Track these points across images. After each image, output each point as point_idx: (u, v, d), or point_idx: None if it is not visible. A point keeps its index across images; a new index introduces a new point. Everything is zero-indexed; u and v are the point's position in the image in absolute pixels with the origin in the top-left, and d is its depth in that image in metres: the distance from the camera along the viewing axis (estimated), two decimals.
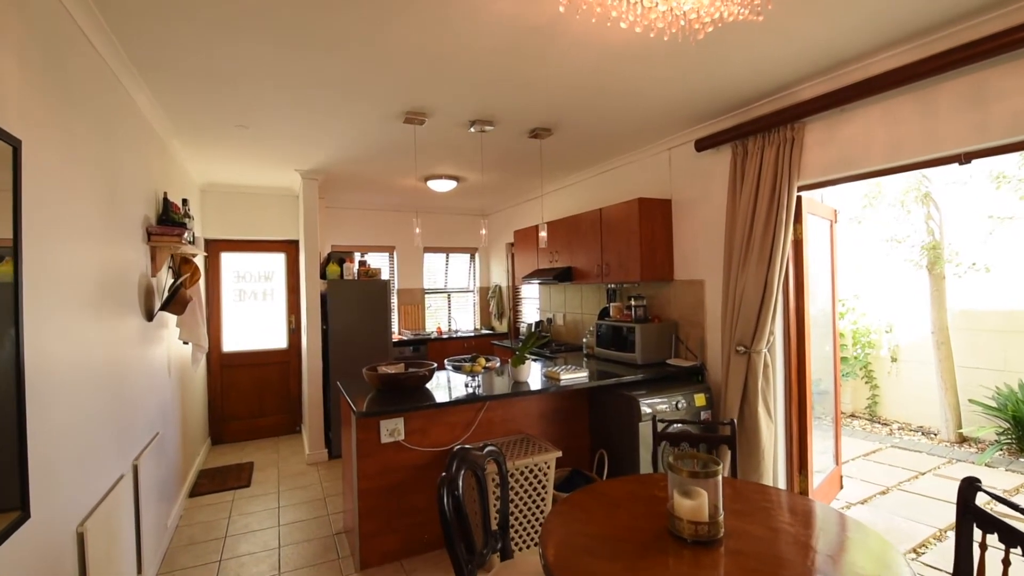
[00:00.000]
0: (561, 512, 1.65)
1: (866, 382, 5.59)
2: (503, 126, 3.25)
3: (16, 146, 1.34)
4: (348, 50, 2.20)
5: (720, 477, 1.44)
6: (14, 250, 1.33)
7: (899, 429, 5.11)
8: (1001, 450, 4.24)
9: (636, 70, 2.45)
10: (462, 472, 1.67)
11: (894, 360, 5.42)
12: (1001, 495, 1.41)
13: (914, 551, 2.81)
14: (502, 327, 6.51)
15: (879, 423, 5.34)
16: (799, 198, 2.84)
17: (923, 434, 4.93)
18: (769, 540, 1.46)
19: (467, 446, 1.82)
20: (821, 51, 2.30)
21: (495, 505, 2.26)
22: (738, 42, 2.17)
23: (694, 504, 1.42)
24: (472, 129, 3.23)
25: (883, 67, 2.32)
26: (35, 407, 1.42)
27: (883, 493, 3.59)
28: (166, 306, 2.73)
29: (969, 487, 1.47)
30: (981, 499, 1.46)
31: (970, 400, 4.56)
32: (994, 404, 4.34)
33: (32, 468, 1.39)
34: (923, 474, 3.95)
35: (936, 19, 2.04)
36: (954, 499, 3.50)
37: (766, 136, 2.83)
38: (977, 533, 1.44)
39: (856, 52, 2.32)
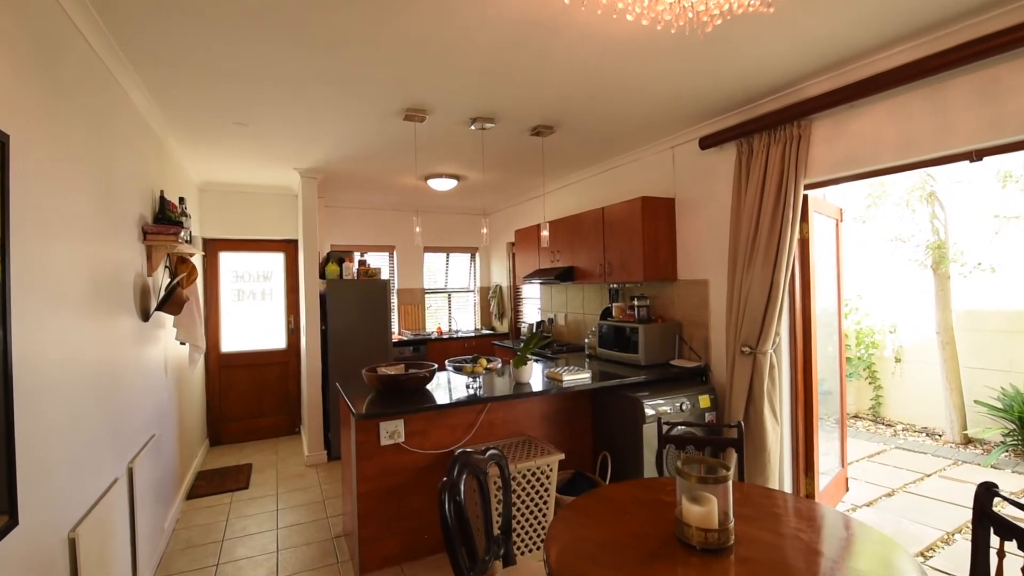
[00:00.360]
0: (566, 518, 1.61)
1: (869, 383, 5.55)
2: (504, 123, 3.20)
3: (4, 141, 1.30)
4: (349, 46, 2.15)
5: (730, 483, 1.39)
6: (1, 247, 1.28)
7: (903, 430, 5.07)
8: (1007, 452, 4.19)
9: (641, 65, 2.40)
10: (464, 477, 1.63)
11: (898, 361, 5.38)
12: (1014, 499, 1.37)
13: (921, 555, 2.77)
14: (503, 327, 6.47)
15: (883, 424, 5.30)
16: (805, 197, 2.80)
17: (927, 435, 4.89)
18: (780, 547, 1.42)
19: (468, 449, 1.78)
20: (829, 46, 2.26)
21: (497, 509, 2.22)
22: (746, 35, 2.13)
23: (703, 510, 1.38)
24: (473, 127, 3.19)
25: (893, 63, 2.28)
26: (24, 409, 1.38)
27: (888, 495, 3.54)
28: (162, 306, 2.68)
29: (986, 493, 1.43)
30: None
31: (976, 401, 4.51)
32: (999, 405, 4.30)
33: (21, 473, 1.34)
34: (928, 476, 3.91)
35: (947, 13, 2.00)
36: (961, 502, 3.46)
37: (772, 134, 2.78)
38: (994, 540, 1.40)
39: (865, 47, 2.27)
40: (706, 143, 3.21)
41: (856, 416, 5.59)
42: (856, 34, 2.16)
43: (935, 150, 2.24)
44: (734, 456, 2.18)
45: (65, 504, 1.65)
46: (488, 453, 1.86)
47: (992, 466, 4.04)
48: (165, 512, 3.01)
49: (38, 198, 1.52)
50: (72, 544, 1.66)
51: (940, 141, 2.22)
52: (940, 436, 4.81)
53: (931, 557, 2.77)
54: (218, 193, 4.87)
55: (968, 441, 4.58)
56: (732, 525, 1.39)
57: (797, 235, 2.74)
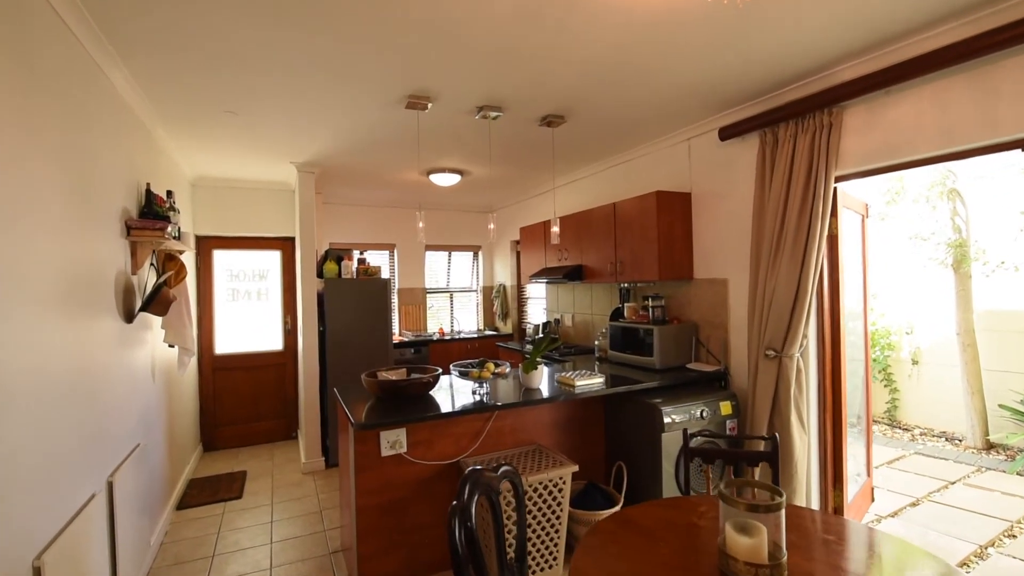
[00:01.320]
0: (590, 547, 1.44)
1: (885, 385, 5.38)
2: (513, 112, 3.02)
3: None
4: (346, 26, 1.97)
5: (783, 511, 1.22)
6: None
7: (921, 435, 4.90)
8: None
9: (663, 45, 2.21)
10: (475, 498, 1.46)
11: (915, 363, 5.20)
12: None
13: None
14: (506, 328, 6.29)
15: (900, 428, 5.13)
16: (835, 190, 2.62)
17: (947, 440, 4.72)
18: None
19: (478, 466, 1.61)
20: (869, 24, 2.07)
21: (507, 528, 2.04)
22: (782, 6, 1.93)
23: (752, 542, 1.20)
24: (479, 116, 3.00)
25: (935, 44, 2.10)
26: None
27: (913, 505, 3.38)
28: (147, 306, 2.50)
29: None
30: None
31: (999, 405, 4.34)
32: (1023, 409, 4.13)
33: None
34: (952, 483, 3.74)
35: None
36: (990, 512, 3.28)
37: (800, 122, 2.61)
38: None
39: (907, 26, 2.09)
40: (726, 134, 3.03)
41: (872, 420, 5.41)
42: (898, 11, 1.98)
43: (982, 138, 2.07)
44: (764, 471, 2.01)
45: (30, 528, 1.48)
46: (500, 470, 1.68)
47: (1018, 473, 3.87)
48: (152, 525, 2.83)
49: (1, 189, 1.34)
50: (37, 573, 1.48)
51: (987, 128, 2.04)
52: (960, 441, 4.63)
53: (967, 573, 2.60)
54: (211, 188, 4.68)
55: (990, 447, 4.41)
56: (785, 559, 1.22)
57: (827, 231, 2.56)
